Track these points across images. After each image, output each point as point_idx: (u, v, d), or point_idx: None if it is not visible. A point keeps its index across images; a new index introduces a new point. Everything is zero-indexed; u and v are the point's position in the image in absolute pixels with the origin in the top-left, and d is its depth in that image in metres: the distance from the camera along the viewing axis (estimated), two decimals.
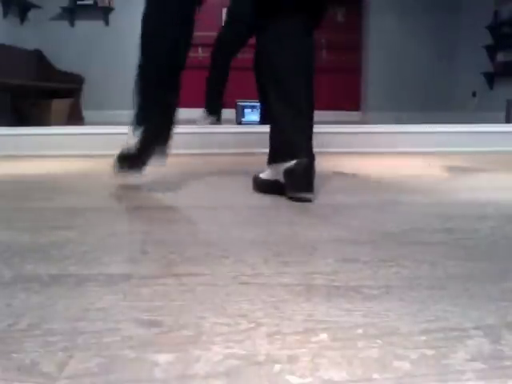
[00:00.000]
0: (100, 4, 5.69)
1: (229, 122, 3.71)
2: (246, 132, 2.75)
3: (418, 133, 2.79)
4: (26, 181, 1.85)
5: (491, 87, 5.65)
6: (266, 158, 1.51)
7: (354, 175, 1.95)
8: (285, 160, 1.40)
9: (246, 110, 3.64)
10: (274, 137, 1.48)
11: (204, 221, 1.19)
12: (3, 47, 4.64)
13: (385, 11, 6.09)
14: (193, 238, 1.02)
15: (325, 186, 1.63)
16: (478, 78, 5.71)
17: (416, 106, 5.94)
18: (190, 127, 3.00)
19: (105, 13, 5.73)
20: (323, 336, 0.58)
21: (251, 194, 1.53)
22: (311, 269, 0.82)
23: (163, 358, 0.53)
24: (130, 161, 1.57)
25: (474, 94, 5.90)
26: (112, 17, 5.79)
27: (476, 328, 0.60)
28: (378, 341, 0.57)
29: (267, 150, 1.51)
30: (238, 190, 1.59)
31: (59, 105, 4.92)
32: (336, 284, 0.75)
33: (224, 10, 4.51)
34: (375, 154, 2.55)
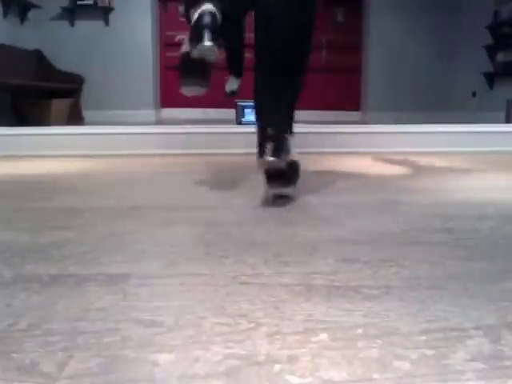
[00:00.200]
0: (100, 4, 5.69)
1: (229, 122, 3.72)
2: (246, 132, 2.75)
3: (418, 133, 2.79)
4: (26, 181, 1.85)
5: (491, 87, 5.65)
6: None
7: (354, 175, 1.95)
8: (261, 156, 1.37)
9: (246, 110, 3.64)
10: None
11: (204, 221, 1.19)
12: (3, 47, 4.64)
13: (385, 11, 6.09)
14: (193, 238, 1.02)
15: (325, 187, 1.63)
16: (478, 78, 5.71)
17: (416, 106, 5.94)
18: (190, 127, 3.00)
19: (105, 13, 5.73)
20: (323, 336, 0.58)
21: (251, 194, 1.53)
22: (311, 269, 0.82)
23: (163, 357, 0.53)
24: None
25: (474, 94, 5.90)
26: (112, 17, 5.78)
27: (476, 328, 0.60)
28: (378, 341, 0.57)
29: None
30: (237, 190, 1.59)
31: (59, 105, 4.92)
32: (336, 284, 0.75)
33: None
34: (375, 154, 2.55)
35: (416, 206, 1.35)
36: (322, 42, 6.07)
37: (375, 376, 0.50)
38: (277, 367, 0.51)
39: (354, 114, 6.28)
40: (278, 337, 0.58)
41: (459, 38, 6.09)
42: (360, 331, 0.59)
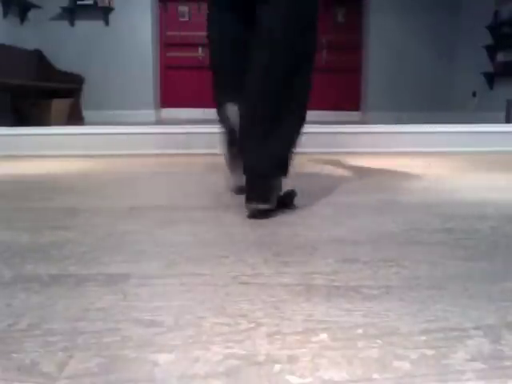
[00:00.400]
0: (100, 4, 5.68)
1: None
2: None
3: (418, 133, 2.79)
4: (26, 181, 1.85)
5: (491, 87, 5.65)
6: None
7: (353, 175, 1.95)
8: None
9: None
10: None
11: (204, 221, 1.19)
12: (3, 47, 4.64)
13: (385, 11, 6.09)
14: (193, 238, 1.02)
15: (324, 187, 1.63)
16: (478, 78, 5.71)
17: (416, 106, 5.94)
18: (190, 127, 3.00)
19: (105, 13, 5.73)
20: (323, 336, 0.58)
21: None
22: (311, 269, 0.82)
23: (163, 357, 0.53)
24: None
25: (474, 94, 5.90)
26: (112, 17, 5.78)
27: (476, 328, 0.60)
28: (378, 341, 0.57)
29: None
30: None
31: (59, 105, 4.92)
32: (336, 284, 0.75)
33: None
34: (375, 154, 2.55)
35: (416, 206, 1.35)
36: (322, 41, 6.06)
37: (375, 376, 0.50)
38: (277, 367, 0.51)
39: (354, 114, 6.28)
40: (277, 337, 0.58)
41: (459, 37, 6.09)
42: (360, 331, 0.59)
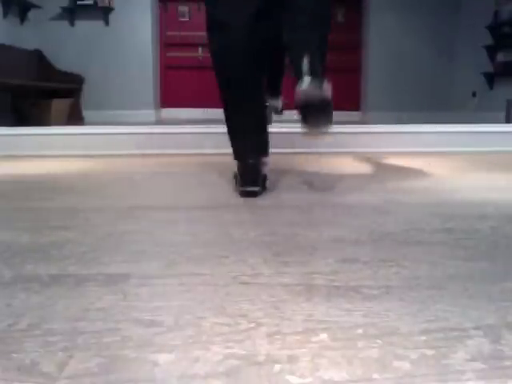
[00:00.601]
0: (100, 4, 5.68)
1: None
2: None
3: (418, 133, 2.79)
4: (26, 181, 1.85)
5: (491, 87, 5.65)
6: None
7: (353, 175, 1.95)
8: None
9: None
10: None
11: (204, 221, 1.19)
12: (3, 47, 4.64)
13: (385, 11, 6.09)
14: (193, 238, 1.02)
15: (325, 186, 1.63)
16: (478, 78, 5.71)
17: (416, 106, 5.94)
18: (189, 127, 3.00)
19: (105, 13, 5.73)
20: (323, 336, 0.58)
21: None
22: (311, 269, 0.82)
23: (163, 357, 0.53)
24: None
25: (474, 94, 5.90)
26: (112, 17, 5.78)
27: (476, 328, 0.60)
28: (378, 341, 0.57)
29: None
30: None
31: (59, 105, 4.92)
32: (336, 284, 0.75)
33: None
34: (375, 154, 2.55)
35: (416, 205, 1.35)
36: None
37: (375, 376, 0.50)
38: (277, 367, 0.51)
39: (354, 114, 6.28)
40: (277, 337, 0.58)
41: (459, 37, 6.09)
42: (360, 331, 0.59)
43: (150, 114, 5.77)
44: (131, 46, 5.71)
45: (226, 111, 1.53)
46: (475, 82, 5.79)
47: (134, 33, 5.73)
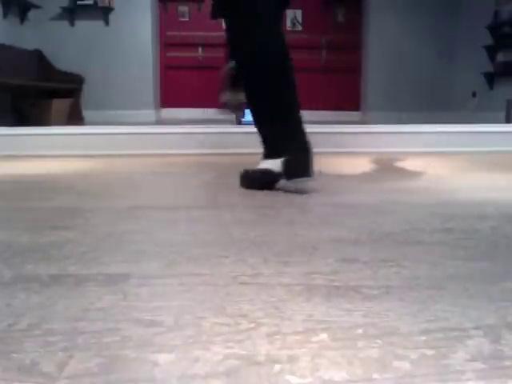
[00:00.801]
0: (100, 4, 5.69)
1: (229, 122, 3.71)
2: (246, 132, 2.75)
3: (418, 133, 2.79)
4: (26, 181, 1.85)
5: (491, 87, 5.65)
6: None
7: (353, 175, 1.95)
8: (281, 154, 1.50)
9: (246, 110, 3.64)
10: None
11: (204, 221, 1.19)
12: (3, 47, 4.64)
13: (385, 11, 6.09)
14: (193, 238, 1.02)
15: (325, 186, 1.63)
16: (478, 78, 5.71)
17: (416, 106, 5.94)
18: (189, 127, 3.00)
19: (105, 13, 5.73)
20: (323, 336, 0.58)
21: (251, 194, 1.53)
22: (311, 269, 0.82)
23: (163, 357, 0.53)
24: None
25: (474, 94, 5.90)
26: (112, 17, 5.78)
27: (476, 328, 0.60)
28: (378, 341, 0.57)
29: None
30: (237, 190, 1.59)
31: (59, 105, 4.92)
32: (336, 284, 0.75)
33: None
34: (375, 154, 2.55)
35: (416, 205, 1.35)
36: (321, 42, 6.06)
37: (375, 376, 0.50)
38: (277, 367, 0.51)
39: (354, 114, 6.28)
40: (277, 337, 0.58)
41: (459, 37, 6.09)
42: (360, 331, 0.59)
43: (150, 113, 5.77)
44: (131, 45, 5.71)
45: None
46: (475, 82, 5.79)
47: (134, 33, 5.74)
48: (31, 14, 5.56)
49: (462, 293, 0.71)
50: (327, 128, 2.80)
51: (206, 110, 5.90)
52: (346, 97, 6.35)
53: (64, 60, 5.53)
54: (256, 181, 1.57)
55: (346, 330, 0.60)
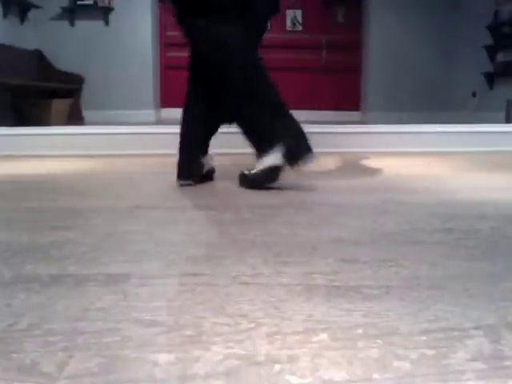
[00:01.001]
0: (100, 4, 5.68)
1: None
2: None
3: (418, 133, 2.79)
4: (26, 181, 1.85)
5: (491, 87, 5.64)
6: None
7: (353, 175, 1.94)
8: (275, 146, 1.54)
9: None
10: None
11: (204, 221, 1.19)
12: (3, 47, 4.64)
13: (385, 11, 6.09)
14: (193, 238, 1.02)
15: (325, 186, 1.63)
16: (478, 78, 5.70)
17: (416, 106, 5.93)
18: None
19: (105, 13, 5.72)
20: (323, 336, 0.58)
21: (251, 194, 1.53)
22: (311, 269, 0.82)
23: (163, 357, 0.53)
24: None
25: (474, 94, 5.89)
26: (112, 17, 5.78)
27: (476, 328, 0.60)
28: (378, 341, 0.57)
29: None
30: (237, 190, 1.59)
31: (59, 105, 4.91)
32: (336, 284, 0.75)
33: None
34: (375, 154, 2.55)
35: (416, 205, 1.35)
36: (322, 41, 6.06)
37: (375, 376, 0.50)
38: (277, 367, 0.51)
39: (354, 114, 6.28)
40: (277, 337, 0.58)
41: (459, 37, 6.09)
42: (360, 331, 0.59)
43: (150, 113, 5.76)
44: (131, 45, 5.71)
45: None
46: (475, 82, 5.79)
47: (134, 33, 5.73)
48: (31, 14, 5.55)
49: (462, 293, 0.71)
50: (327, 128, 2.79)
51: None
52: (346, 97, 6.34)
53: (64, 60, 5.52)
54: (267, 179, 1.56)
55: (346, 329, 0.60)
